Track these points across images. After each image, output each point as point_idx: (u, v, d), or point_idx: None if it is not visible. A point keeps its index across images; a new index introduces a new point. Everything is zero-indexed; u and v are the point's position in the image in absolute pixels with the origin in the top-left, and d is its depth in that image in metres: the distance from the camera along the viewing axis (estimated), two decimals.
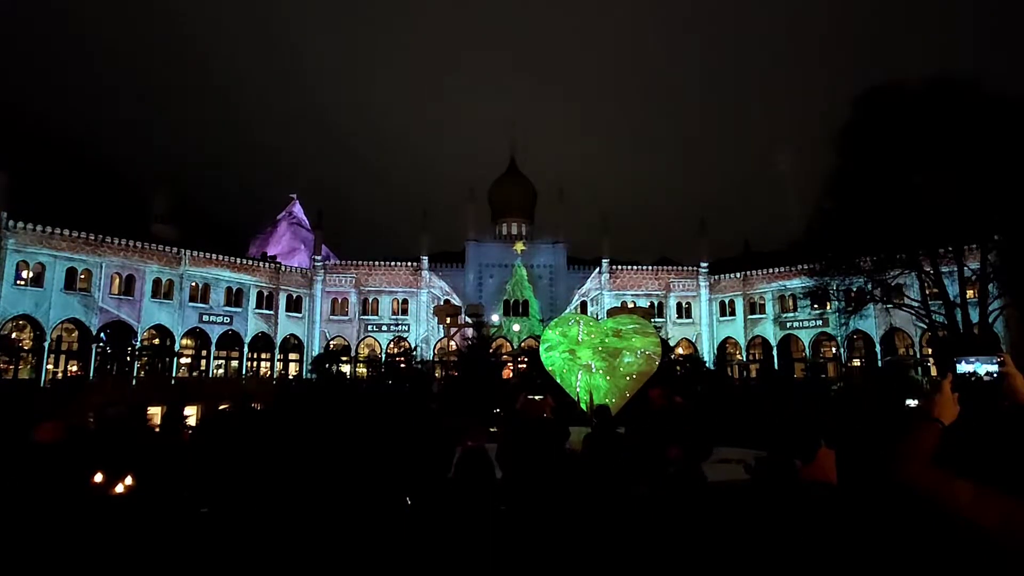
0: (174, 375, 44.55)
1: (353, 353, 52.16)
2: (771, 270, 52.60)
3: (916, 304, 30.70)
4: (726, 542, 3.28)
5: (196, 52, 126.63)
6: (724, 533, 3.39)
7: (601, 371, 16.07)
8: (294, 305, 52.53)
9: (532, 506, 4.42)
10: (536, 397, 7.33)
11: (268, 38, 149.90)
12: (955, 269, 28.65)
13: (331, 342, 52.20)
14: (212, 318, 47.63)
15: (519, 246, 56.61)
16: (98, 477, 6.56)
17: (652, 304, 54.29)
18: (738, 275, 55.30)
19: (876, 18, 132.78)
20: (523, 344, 50.12)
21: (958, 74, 26.43)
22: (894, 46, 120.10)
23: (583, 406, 15.59)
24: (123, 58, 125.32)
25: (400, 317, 53.90)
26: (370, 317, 54.11)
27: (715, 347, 54.08)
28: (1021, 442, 1.84)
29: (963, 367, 2.00)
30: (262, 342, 50.63)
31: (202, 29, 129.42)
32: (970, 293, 30.04)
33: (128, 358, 42.15)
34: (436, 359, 50.16)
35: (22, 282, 39.36)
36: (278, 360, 51.21)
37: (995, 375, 1.95)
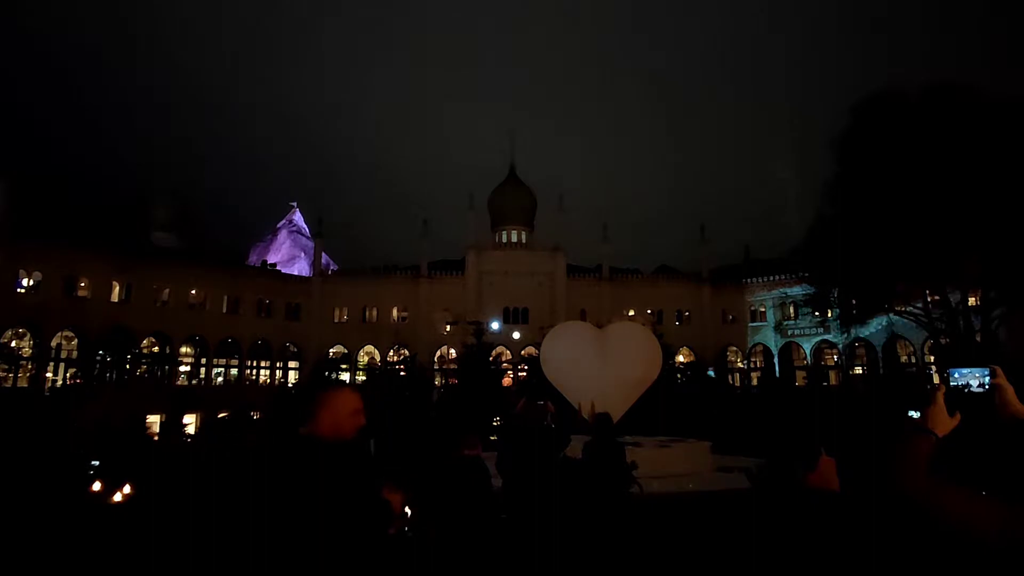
0: (174, 383, 44.49)
1: (352, 361, 52.06)
2: (771, 277, 52.54)
3: (918, 311, 30.60)
4: (728, 549, 3.26)
5: (196, 56, 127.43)
6: (726, 540, 3.36)
7: (601, 379, 16.02)
8: (293, 313, 52.52)
9: (532, 514, 4.39)
10: (538, 403, 7.29)
11: (268, 43, 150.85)
12: (956, 276, 28.53)
13: (330, 350, 52.12)
14: (213, 325, 47.60)
15: (519, 253, 56.61)
16: (96, 486, 6.52)
17: (652, 311, 54.23)
18: (739, 282, 55.29)
19: (876, 21, 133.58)
20: (523, 352, 50.02)
21: (956, 79, 26.57)
22: (894, 49, 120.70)
23: (584, 414, 15.53)
24: (123, 64, 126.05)
25: (399, 325, 53.80)
26: (370, 325, 54.07)
27: (716, 354, 53.98)
28: (1013, 453, 1.83)
29: (956, 378, 1.98)
30: (261, 350, 50.59)
31: (202, 34, 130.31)
32: (972, 300, 29.91)
33: (128, 366, 42.07)
34: (436, 367, 50.02)
35: (22, 290, 39.37)
36: (277, 368, 51.12)
37: (986, 386, 1.93)
